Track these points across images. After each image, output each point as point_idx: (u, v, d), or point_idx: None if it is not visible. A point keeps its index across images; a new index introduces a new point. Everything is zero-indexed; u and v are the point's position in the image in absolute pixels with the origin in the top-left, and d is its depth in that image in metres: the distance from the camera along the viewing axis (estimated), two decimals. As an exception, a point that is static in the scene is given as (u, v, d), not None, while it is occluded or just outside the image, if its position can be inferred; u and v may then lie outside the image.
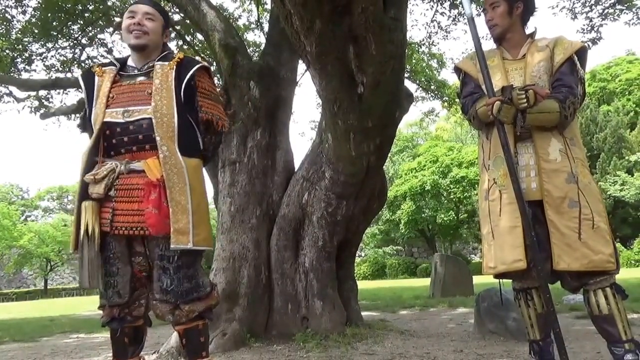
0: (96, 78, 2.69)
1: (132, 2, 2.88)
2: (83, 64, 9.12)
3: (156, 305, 2.59)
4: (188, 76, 2.64)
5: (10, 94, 9.01)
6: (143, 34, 2.68)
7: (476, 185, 28.87)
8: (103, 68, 2.72)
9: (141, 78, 2.68)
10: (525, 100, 2.56)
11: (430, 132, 54.30)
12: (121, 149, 2.58)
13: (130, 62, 2.76)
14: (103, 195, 2.51)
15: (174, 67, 2.65)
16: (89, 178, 2.52)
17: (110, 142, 2.58)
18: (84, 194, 2.55)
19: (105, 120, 2.57)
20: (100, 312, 2.70)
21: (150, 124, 2.54)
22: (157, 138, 2.52)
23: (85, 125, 2.72)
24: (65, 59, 9.15)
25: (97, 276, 2.49)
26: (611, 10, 8.55)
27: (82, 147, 2.72)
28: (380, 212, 18.82)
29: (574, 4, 8.67)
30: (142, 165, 2.53)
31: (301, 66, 6.86)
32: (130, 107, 2.59)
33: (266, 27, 8.08)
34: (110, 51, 9.21)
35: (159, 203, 2.45)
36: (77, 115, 8.78)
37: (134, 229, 2.50)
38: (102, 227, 2.52)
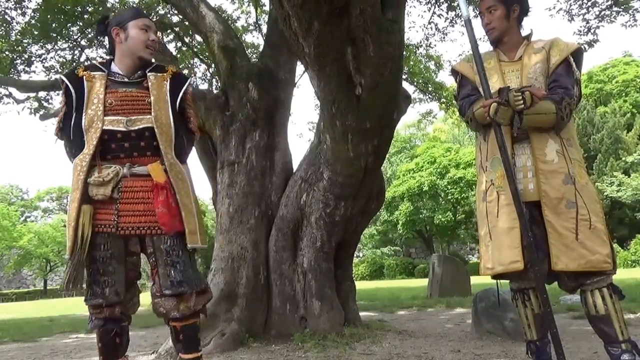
0: (85, 82, 2.70)
1: (129, 10, 2.94)
2: (82, 65, 9.11)
3: (160, 302, 2.64)
4: (182, 93, 2.81)
5: (10, 95, 8.99)
6: (155, 51, 2.85)
7: (474, 186, 28.93)
8: (91, 73, 2.74)
9: (135, 87, 2.76)
10: (521, 101, 2.58)
11: (428, 133, 54.35)
12: (120, 154, 2.65)
13: (115, 69, 2.80)
14: (109, 196, 2.58)
15: (168, 79, 2.80)
16: (97, 180, 2.57)
17: (109, 147, 2.64)
18: (84, 197, 2.59)
19: (105, 127, 2.61)
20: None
21: (151, 133, 2.66)
22: (161, 146, 2.65)
23: (69, 132, 2.68)
24: (64, 60, 9.13)
25: (81, 278, 2.57)
26: (608, 12, 8.57)
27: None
28: (378, 213, 18.83)
29: (570, 5, 8.70)
30: (148, 170, 2.63)
31: (299, 67, 6.88)
32: (132, 115, 2.67)
33: (265, 28, 8.08)
34: (109, 52, 9.22)
35: (168, 204, 2.59)
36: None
37: (142, 228, 2.61)
38: (104, 227, 2.59)
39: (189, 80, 2.93)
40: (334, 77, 4.31)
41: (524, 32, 3.01)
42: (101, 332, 2.67)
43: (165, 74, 2.82)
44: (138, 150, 2.66)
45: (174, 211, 2.60)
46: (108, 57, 2.94)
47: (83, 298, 2.66)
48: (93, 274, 2.60)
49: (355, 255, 6.92)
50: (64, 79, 2.73)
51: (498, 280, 3.01)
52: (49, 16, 8.06)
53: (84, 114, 2.63)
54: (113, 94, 2.69)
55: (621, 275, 7.88)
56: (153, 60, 2.89)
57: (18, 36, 8.49)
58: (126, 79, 2.77)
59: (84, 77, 2.71)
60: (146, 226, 2.60)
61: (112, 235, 2.61)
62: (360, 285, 9.46)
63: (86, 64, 8.90)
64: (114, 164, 2.62)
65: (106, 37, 2.93)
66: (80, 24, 8.56)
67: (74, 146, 2.66)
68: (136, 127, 2.65)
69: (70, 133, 2.67)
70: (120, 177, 2.61)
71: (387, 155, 6.02)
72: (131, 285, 2.74)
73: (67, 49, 9.15)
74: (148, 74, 2.79)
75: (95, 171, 2.60)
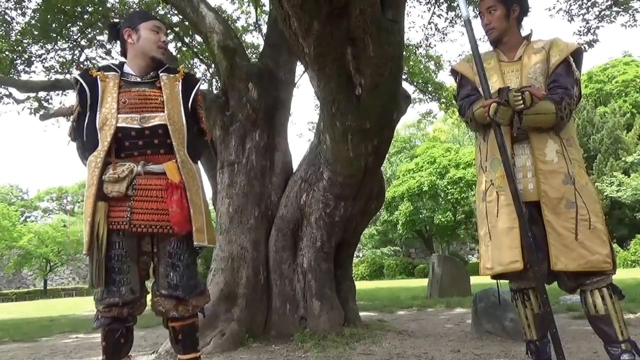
0: (99, 82, 2.74)
1: (139, 12, 3.01)
2: (82, 66, 9.11)
3: (159, 301, 2.70)
4: (193, 93, 2.89)
5: (10, 96, 9.00)
6: (166, 51, 2.94)
7: (473, 186, 28.92)
8: (105, 73, 2.79)
9: (148, 86, 2.81)
10: (521, 101, 2.59)
11: (427, 133, 54.36)
12: (134, 152, 2.69)
13: (128, 70, 2.86)
14: (124, 193, 2.60)
15: (180, 80, 2.87)
16: (112, 177, 2.60)
17: (123, 145, 2.68)
18: (99, 193, 2.61)
19: (119, 125, 2.66)
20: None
21: (165, 130, 2.70)
22: (174, 144, 2.70)
23: (82, 131, 2.72)
24: (64, 60, 9.14)
25: (103, 276, 2.58)
26: (607, 12, 8.58)
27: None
28: (378, 213, 18.83)
29: (570, 6, 8.70)
30: (163, 168, 2.68)
31: (299, 68, 6.89)
32: (145, 113, 2.71)
33: (264, 28, 8.08)
34: (109, 52, 9.21)
35: (181, 203, 2.63)
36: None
37: (154, 227, 2.62)
38: (117, 225, 2.61)
39: (200, 82, 3.01)
40: (334, 77, 4.31)
41: (523, 32, 3.01)
42: (106, 332, 2.69)
43: (177, 75, 2.89)
44: (152, 148, 2.70)
45: (186, 211, 2.65)
46: (118, 60, 2.99)
47: (94, 297, 2.67)
48: (109, 273, 2.61)
49: (355, 255, 6.92)
50: (79, 78, 2.76)
51: (498, 280, 3.01)
52: (49, 16, 8.06)
53: (97, 112, 2.68)
54: (126, 93, 2.75)
55: (621, 275, 7.89)
56: (172, 50, 2.94)
57: (18, 36, 8.49)
58: (139, 79, 2.82)
59: (98, 77, 2.75)
60: (157, 225, 2.62)
61: (125, 233, 2.63)
62: (360, 285, 9.46)
63: (89, 64, 8.98)
64: (127, 162, 2.66)
65: (118, 42, 2.99)
66: (80, 24, 8.56)
67: (88, 145, 2.69)
68: (149, 124, 2.69)
69: (84, 133, 2.71)
70: (134, 174, 2.64)
71: (387, 155, 6.02)
72: (141, 285, 2.76)
73: (67, 49, 9.16)
74: (160, 74, 2.85)
75: (110, 168, 2.63)
